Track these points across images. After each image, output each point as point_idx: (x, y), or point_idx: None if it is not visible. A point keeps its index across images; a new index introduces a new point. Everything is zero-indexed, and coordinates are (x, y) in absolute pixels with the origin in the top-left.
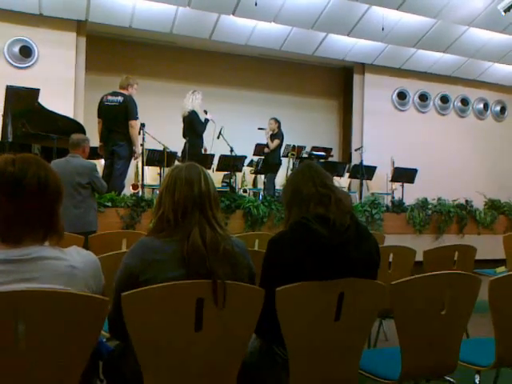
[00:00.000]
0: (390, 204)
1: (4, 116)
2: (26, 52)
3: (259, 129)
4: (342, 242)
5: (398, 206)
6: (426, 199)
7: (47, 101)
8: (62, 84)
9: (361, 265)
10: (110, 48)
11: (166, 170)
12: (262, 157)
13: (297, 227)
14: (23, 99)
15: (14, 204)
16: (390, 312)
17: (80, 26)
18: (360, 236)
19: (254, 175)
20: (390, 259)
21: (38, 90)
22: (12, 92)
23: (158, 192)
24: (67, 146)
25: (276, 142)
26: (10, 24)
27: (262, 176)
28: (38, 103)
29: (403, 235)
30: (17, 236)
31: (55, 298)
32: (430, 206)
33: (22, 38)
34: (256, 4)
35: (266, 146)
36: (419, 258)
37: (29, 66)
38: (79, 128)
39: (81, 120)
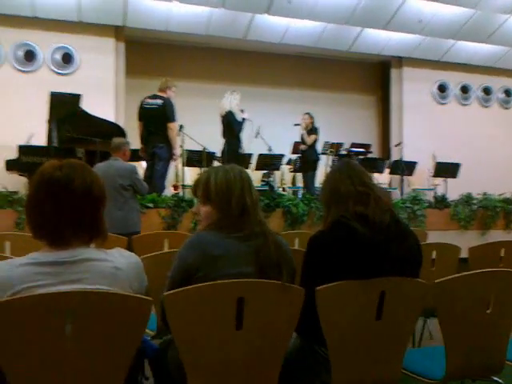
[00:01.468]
0: (432, 200)
1: (49, 122)
2: (67, 59)
3: (295, 125)
4: (383, 240)
5: (441, 202)
6: (470, 194)
7: (89, 105)
8: (102, 89)
9: (402, 263)
10: (148, 52)
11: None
12: (300, 154)
13: (336, 226)
14: (66, 105)
15: (61, 208)
16: (435, 311)
17: (118, 32)
18: (401, 234)
19: (292, 174)
20: (434, 256)
21: (80, 95)
22: (56, 98)
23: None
24: (109, 149)
25: (313, 137)
26: (50, 32)
27: (301, 174)
28: (81, 108)
29: (447, 231)
30: (65, 239)
31: (101, 298)
32: (474, 201)
33: (63, 46)
34: (289, 1)
35: (302, 142)
36: (465, 254)
37: (70, 73)
38: (120, 131)
39: (122, 123)
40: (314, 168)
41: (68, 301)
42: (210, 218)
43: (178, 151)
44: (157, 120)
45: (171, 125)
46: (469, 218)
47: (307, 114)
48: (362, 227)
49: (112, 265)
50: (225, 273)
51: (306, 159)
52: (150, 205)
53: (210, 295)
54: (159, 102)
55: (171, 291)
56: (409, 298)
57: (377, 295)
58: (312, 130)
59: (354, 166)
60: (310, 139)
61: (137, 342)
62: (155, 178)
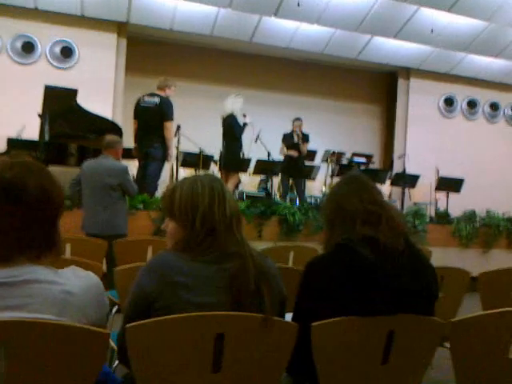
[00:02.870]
0: (433, 215)
1: (42, 115)
2: (67, 53)
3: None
4: (395, 269)
5: (443, 217)
6: (473, 211)
7: (86, 101)
8: (101, 85)
9: (416, 297)
10: (150, 50)
11: (202, 172)
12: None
13: (339, 250)
14: (61, 99)
15: (6, 216)
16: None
17: (121, 28)
18: (416, 262)
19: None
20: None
21: (76, 90)
22: (50, 92)
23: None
24: (101, 145)
25: (306, 145)
26: (51, 25)
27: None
28: (76, 103)
29: (448, 248)
30: (6, 253)
31: (45, 329)
32: (477, 219)
33: (63, 39)
34: (299, 4)
35: (296, 149)
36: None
37: (69, 67)
38: (116, 129)
39: (119, 121)
40: (306, 176)
41: (1, 331)
42: (176, 236)
43: (172, 152)
44: (153, 119)
45: (168, 124)
46: (471, 235)
47: (299, 119)
48: (370, 253)
49: (62, 288)
50: (187, 303)
51: (298, 166)
52: (140, 206)
53: (180, 330)
54: (156, 100)
55: (133, 324)
56: (422, 339)
57: (384, 335)
58: (305, 138)
59: (363, 179)
60: (305, 148)
61: (92, 379)
62: (147, 178)
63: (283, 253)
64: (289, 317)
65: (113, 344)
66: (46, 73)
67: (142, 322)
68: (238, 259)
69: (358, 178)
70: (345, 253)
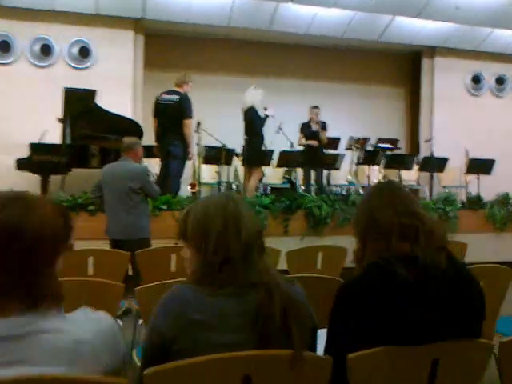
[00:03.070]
0: (465, 199)
1: (64, 119)
2: (84, 53)
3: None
4: (437, 291)
5: (476, 203)
6: (507, 194)
7: (106, 100)
8: (120, 82)
9: (461, 320)
10: (167, 44)
11: (225, 167)
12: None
13: (374, 271)
14: (81, 101)
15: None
16: None
17: (137, 24)
18: (460, 281)
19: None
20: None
21: (95, 90)
22: (70, 94)
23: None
24: (120, 148)
25: (325, 133)
26: (68, 25)
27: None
28: (96, 104)
29: (482, 234)
30: (1, 302)
31: None
32: (511, 202)
33: (80, 39)
34: None
35: (316, 138)
36: (505, 258)
37: (88, 67)
38: (136, 127)
39: (140, 118)
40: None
41: None
42: (192, 263)
43: (193, 149)
44: (172, 116)
45: (187, 121)
46: (505, 219)
47: (317, 107)
48: (408, 274)
49: (71, 337)
50: (208, 343)
51: (318, 155)
52: (164, 207)
53: (202, 374)
54: (175, 97)
55: (151, 369)
56: (469, 364)
57: (428, 365)
58: (324, 126)
59: (398, 189)
60: (325, 136)
61: None
62: (170, 177)
63: (310, 255)
64: (322, 333)
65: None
66: (64, 74)
67: (161, 367)
68: (261, 290)
69: (391, 188)
70: (380, 274)
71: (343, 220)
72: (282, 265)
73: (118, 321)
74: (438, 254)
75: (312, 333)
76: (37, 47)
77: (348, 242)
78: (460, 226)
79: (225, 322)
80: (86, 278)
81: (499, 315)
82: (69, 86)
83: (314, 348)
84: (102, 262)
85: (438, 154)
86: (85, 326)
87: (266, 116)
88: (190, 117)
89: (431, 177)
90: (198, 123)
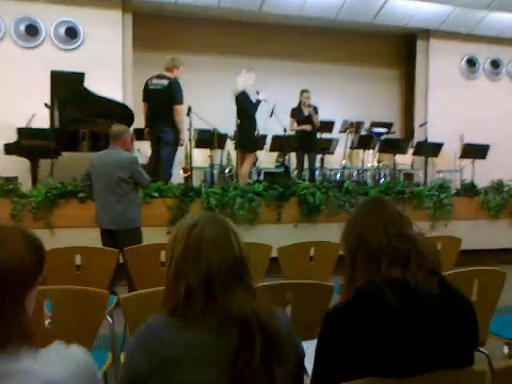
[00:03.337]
0: (459, 185)
1: (51, 102)
2: (71, 33)
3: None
4: (428, 318)
5: (470, 190)
6: (501, 181)
7: (95, 82)
8: (109, 64)
9: (453, 348)
10: (156, 24)
11: (218, 151)
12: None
13: (363, 298)
14: (69, 84)
15: None
16: None
17: (125, 3)
18: (453, 307)
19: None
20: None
21: (83, 73)
22: (57, 77)
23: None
24: (109, 136)
25: (317, 117)
26: (54, 5)
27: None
28: (84, 87)
29: (477, 221)
30: None
31: None
32: (505, 189)
33: (67, 20)
34: None
35: (309, 123)
36: (500, 245)
37: (75, 48)
38: (127, 112)
39: (130, 100)
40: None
41: None
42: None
43: (184, 135)
44: (162, 102)
45: (177, 107)
46: (500, 206)
47: (307, 91)
48: (398, 300)
49: (41, 378)
50: (183, 383)
51: (312, 140)
52: (156, 194)
53: None
54: (165, 82)
55: None
56: None
57: None
58: (315, 110)
59: (389, 207)
60: (317, 120)
61: None
62: (161, 164)
63: (302, 251)
64: (312, 345)
65: None
66: (51, 55)
67: None
68: (240, 324)
69: (382, 206)
70: (368, 301)
71: (337, 207)
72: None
73: (108, 317)
74: (430, 279)
75: (298, 362)
76: (22, 27)
77: (341, 229)
78: (454, 213)
79: (200, 360)
80: (71, 287)
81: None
82: (56, 67)
83: (301, 378)
84: (90, 261)
85: (432, 137)
86: (57, 365)
87: (259, 100)
88: (181, 102)
89: (426, 161)
90: (189, 108)
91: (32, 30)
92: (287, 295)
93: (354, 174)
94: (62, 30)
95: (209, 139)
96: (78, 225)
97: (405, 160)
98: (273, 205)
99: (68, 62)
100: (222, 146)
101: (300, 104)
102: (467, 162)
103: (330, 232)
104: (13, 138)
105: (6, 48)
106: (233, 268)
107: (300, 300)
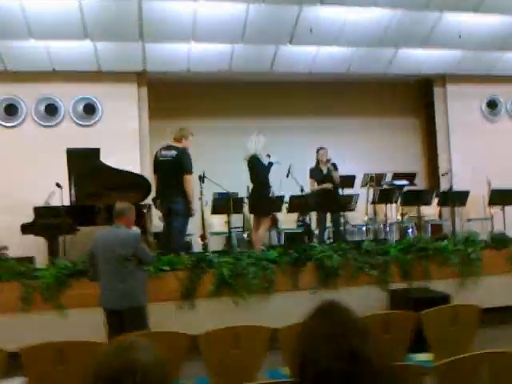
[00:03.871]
0: (489, 236)
1: (69, 179)
2: (89, 109)
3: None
4: None
5: (500, 241)
6: None
7: (114, 154)
8: (127, 136)
9: None
10: (171, 94)
11: (234, 216)
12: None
13: None
14: (84, 160)
15: None
16: None
17: (140, 77)
18: None
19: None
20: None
21: (99, 149)
22: (73, 154)
23: None
24: (132, 201)
25: (337, 173)
26: (71, 83)
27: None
28: (100, 161)
29: (507, 276)
30: None
31: None
32: None
33: (84, 97)
34: (311, 31)
35: (328, 180)
36: None
37: (94, 123)
38: (144, 182)
39: (148, 170)
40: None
41: None
42: None
43: (194, 205)
44: (172, 172)
45: (187, 177)
46: None
47: (323, 148)
48: None
49: None
50: None
51: (334, 198)
52: (166, 267)
53: None
54: (173, 153)
55: None
56: None
57: None
58: (334, 166)
59: (341, 315)
60: (337, 176)
61: None
62: (174, 235)
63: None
64: None
65: None
66: (70, 132)
67: None
68: None
69: (331, 315)
70: None
71: (356, 270)
72: None
73: None
74: None
75: None
76: (42, 108)
77: (364, 293)
78: (484, 267)
79: None
80: None
81: None
82: (75, 143)
83: None
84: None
85: (458, 185)
86: None
87: (271, 163)
88: (190, 172)
89: (452, 211)
90: (203, 174)
91: (51, 110)
92: None
93: (381, 228)
94: (81, 107)
95: (226, 204)
96: (90, 304)
97: (431, 211)
98: (288, 271)
99: (87, 137)
100: (239, 211)
101: (318, 163)
102: (497, 208)
103: (352, 296)
104: (31, 216)
105: (27, 128)
106: None
107: None
